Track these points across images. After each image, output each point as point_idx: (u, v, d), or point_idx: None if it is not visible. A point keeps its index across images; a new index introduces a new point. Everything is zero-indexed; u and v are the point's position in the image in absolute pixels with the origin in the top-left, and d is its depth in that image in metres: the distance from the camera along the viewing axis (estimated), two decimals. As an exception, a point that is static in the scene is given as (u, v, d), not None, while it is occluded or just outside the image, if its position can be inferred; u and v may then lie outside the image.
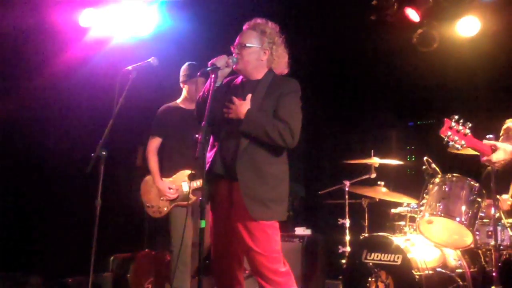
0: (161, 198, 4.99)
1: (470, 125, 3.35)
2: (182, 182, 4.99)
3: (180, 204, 4.95)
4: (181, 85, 5.23)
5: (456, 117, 3.35)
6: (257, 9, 5.11)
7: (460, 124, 3.34)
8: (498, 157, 3.30)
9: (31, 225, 6.29)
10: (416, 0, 6.34)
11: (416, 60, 6.81)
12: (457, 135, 3.32)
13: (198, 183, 4.80)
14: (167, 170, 5.05)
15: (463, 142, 3.33)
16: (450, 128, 3.33)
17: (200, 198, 3.34)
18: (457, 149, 3.37)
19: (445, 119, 3.36)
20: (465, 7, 6.27)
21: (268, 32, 3.79)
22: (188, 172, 4.98)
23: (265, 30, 3.80)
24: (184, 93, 5.21)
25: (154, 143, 5.11)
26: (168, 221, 5.00)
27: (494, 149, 3.33)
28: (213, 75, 3.60)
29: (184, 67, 5.22)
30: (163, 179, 5.01)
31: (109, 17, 6.42)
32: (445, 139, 3.33)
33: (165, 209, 4.99)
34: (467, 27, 6.33)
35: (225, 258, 3.78)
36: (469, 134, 3.34)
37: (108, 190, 4.12)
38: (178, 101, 5.24)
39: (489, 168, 4.87)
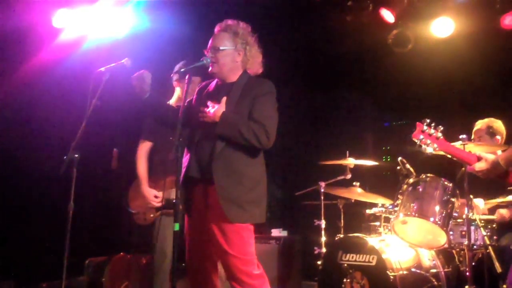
0: (147, 205, 4.75)
1: (442, 128, 3.39)
2: (172, 189, 4.62)
3: (167, 212, 4.57)
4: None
5: (428, 120, 3.39)
6: (234, 10, 5.10)
7: (432, 127, 3.37)
8: (480, 166, 3.35)
9: (4, 229, 6.20)
10: (391, 1, 6.39)
11: (392, 60, 6.85)
12: (429, 138, 3.36)
13: None
14: (156, 176, 4.80)
15: (435, 146, 3.37)
16: (422, 131, 3.38)
17: (174, 201, 3.31)
18: (430, 152, 3.40)
19: (417, 123, 3.40)
20: (439, 8, 6.33)
21: (241, 33, 3.78)
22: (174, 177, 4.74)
23: (237, 31, 3.79)
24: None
25: (145, 147, 4.87)
26: (155, 228, 4.72)
27: (479, 159, 3.37)
28: (187, 79, 3.60)
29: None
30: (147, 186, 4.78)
31: (84, 17, 6.34)
32: (418, 143, 3.37)
33: (151, 215, 4.78)
34: (442, 28, 6.39)
35: (200, 262, 3.76)
36: (441, 137, 3.38)
37: (82, 193, 4.08)
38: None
39: (463, 168, 4.92)
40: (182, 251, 3.91)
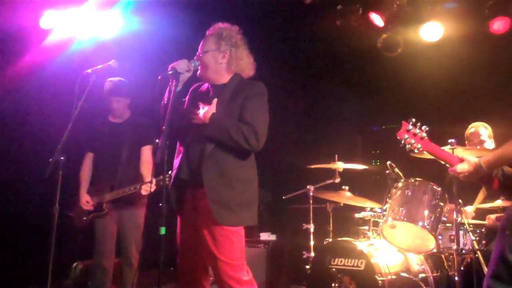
0: (80, 208, 5.09)
1: (427, 128, 3.37)
2: (105, 194, 5.04)
3: (98, 215, 5.04)
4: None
5: (414, 120, 3.38)
6: (223, 14, 5.07)
7: (417, 127, 3.36)
8: (462, 168, 3.30)
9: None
10: (380, 5, 6.39)
11: (381, 64, 6.86)
12: (413, 138, 3.35)
13: (115, 194, 4.99)
14: (92, 181, 5.20)
15: (419, 146, 3.36)
16: (408, 131, 3.36)
17: (160, 204, 3.28)
18: (413, 152, 3.40)
19: (402, 122, 3.39)
20: (428, 12, 6.34)
21: (225, 35, 3.77)
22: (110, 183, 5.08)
23: (222, 33, 3.78)
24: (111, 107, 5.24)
25: (88, 158, 5.23)
26: (93, 231, 5.07)
27: (461, 160, 3.34)
28: (174, 81, 3.56)
29: (106, 83, 5.15)
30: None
31: (71, 19, 6.28)
32: (402, 142, 3.35)
33: (84, 218, 5.09)
34: (431, 32, 6.40)
35: (191, 265, 3.72)
36: (426, 138, 3.36)
37: (68, 196, 4.03)
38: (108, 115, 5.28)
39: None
40: (170, 255, 3.88)
